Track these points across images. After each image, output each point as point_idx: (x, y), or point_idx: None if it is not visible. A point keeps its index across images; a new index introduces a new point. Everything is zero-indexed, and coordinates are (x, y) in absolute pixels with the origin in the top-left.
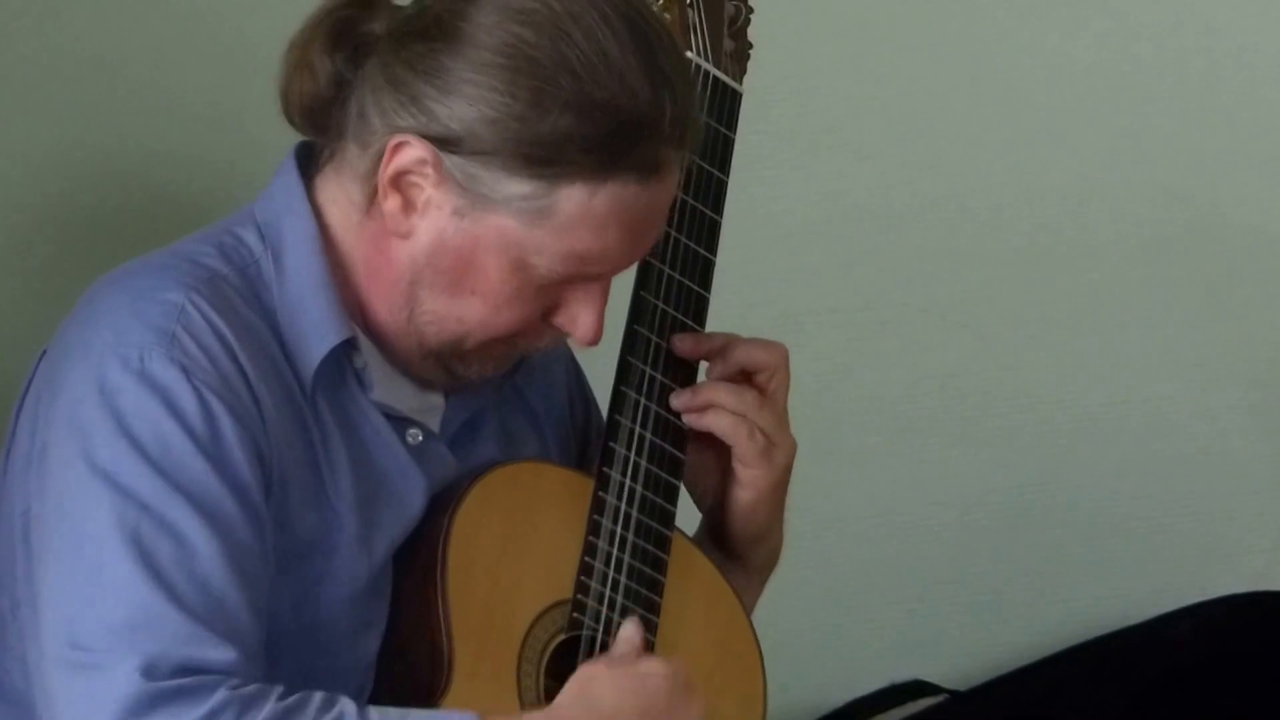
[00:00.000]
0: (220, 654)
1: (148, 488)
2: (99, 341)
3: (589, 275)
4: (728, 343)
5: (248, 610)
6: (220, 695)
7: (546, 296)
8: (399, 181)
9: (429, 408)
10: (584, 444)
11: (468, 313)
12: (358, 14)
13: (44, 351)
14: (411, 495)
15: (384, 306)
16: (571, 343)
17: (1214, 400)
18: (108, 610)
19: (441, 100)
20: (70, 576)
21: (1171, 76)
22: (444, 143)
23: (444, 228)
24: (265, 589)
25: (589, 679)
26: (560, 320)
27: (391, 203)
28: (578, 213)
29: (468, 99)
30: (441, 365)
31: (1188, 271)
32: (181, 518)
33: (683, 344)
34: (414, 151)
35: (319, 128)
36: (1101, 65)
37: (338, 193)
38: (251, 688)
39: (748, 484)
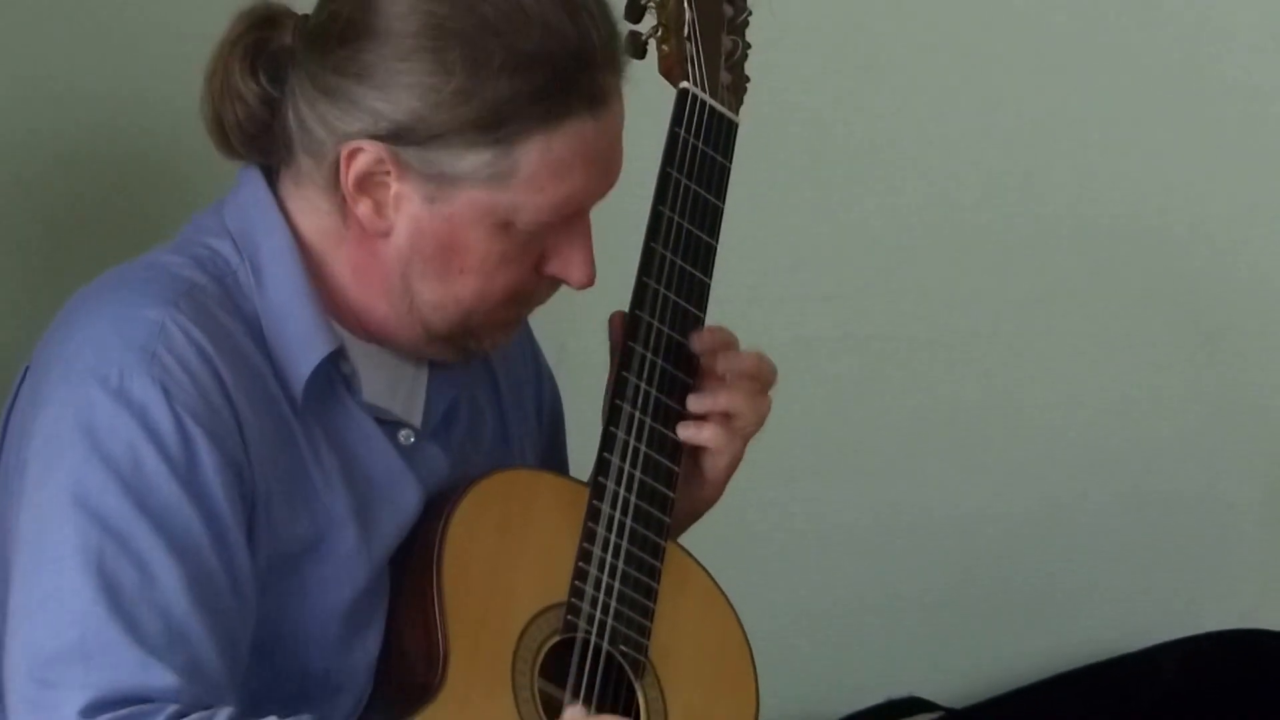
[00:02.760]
0: (170, 682)
1: (115, 510)
2: (80, 362)
3: (569, 217)
4: (744, 359)
5: (211, 640)
6: None
7: (534, 250)
8: (363, 185)
9: (413, 401)
10: (549, 421)
11: (463, 291)
12: (266, 34)
13: (26, 369)
14: (406, 498)
15: (383, 304)
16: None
17: (1209, 444)
18: (62, 634)
19: (380, 97)
20: (31, 597)
21: (1180, 124)
22: (395, 137)
23: (419, 216)
24: (238, 619)
25: None
26: (553, 269)
27: (363, 207)
28: (540, 162)
29: (405, 88)
30: (454, 346)
31: (1187, 318)
32: (147, 543)
33: (704, 343)
34: (368, 154)
35: (264, 150)
36: (1113, 109)
37: (304, 203)
38: (197, 715)
39: (713, 484)
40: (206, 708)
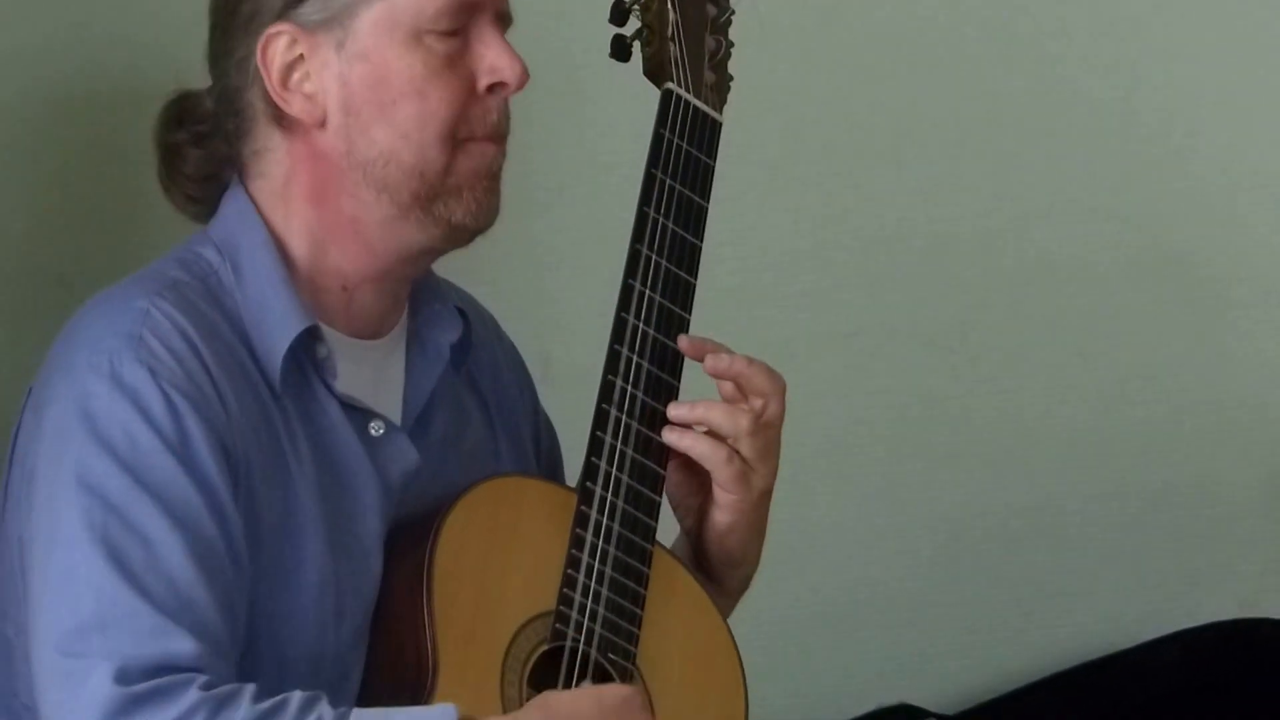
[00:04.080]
0: (190, 647)
1: (116, 488)
2: (78, 359)
3: (474, 15)
4: (735, 360)
5: (216, 607)
6: (192, 696)
7: (459, 66)
8: (287, 80)
9: (391, 397)
10: (544, 451)
11: (405, 122)
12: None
13: (30, 390)
14: (366, 491)
15: (354, 210)
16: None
17: (1201, 426)
18: (80, 608)
19: None
20: (48, 578)
21: (1171, 106)
22: (289, 8)
23: (341, 73)
24: (236, 585)
25: (546, 698)
26: (483, 81)
27: (296, 103)
28: None
29: None
30: (433, 217)
31: (1175, 296)
32: (149, 517)
33: (689, 345)
34: (276, 39)
35: (229, 159)
36: (1094, 95)
37: (264, 182)
38: (225, 688)
39: (725, 507)
40: (229, 681)
